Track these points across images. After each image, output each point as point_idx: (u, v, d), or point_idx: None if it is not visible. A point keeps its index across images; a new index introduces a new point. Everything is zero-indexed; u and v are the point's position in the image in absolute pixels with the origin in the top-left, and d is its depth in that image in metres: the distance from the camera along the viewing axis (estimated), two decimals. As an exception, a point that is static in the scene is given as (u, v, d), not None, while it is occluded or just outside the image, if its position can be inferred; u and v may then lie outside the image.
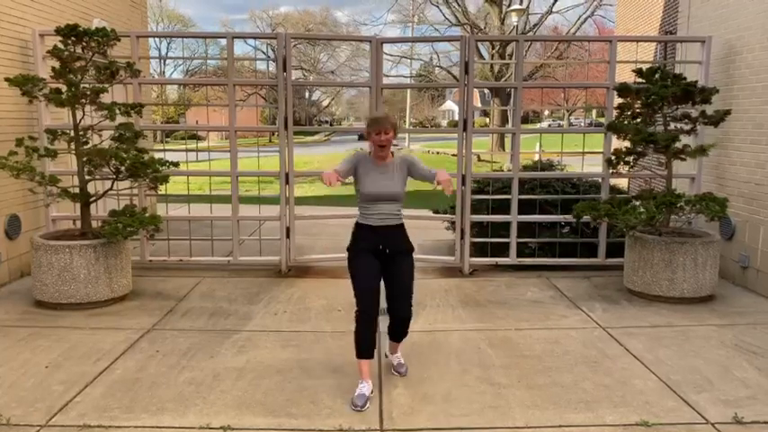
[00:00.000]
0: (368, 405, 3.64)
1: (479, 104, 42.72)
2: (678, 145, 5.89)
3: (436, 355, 4.44)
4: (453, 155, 8.07)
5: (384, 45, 7.01)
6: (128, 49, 6.43)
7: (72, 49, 5.55)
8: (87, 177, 5.65)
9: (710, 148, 5.87)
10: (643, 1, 12.28)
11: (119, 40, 5.80)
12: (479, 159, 20.56)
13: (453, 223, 6.94)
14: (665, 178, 6.11)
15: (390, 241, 3.87)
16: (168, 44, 47.31)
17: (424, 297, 5.80)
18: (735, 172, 6.41)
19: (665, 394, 3.80)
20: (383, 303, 4.06)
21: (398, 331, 4.06)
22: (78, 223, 6.01)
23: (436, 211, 7.74)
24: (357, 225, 3.94)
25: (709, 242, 5.69)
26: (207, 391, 3.79)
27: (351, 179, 3.95)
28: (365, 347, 3.77)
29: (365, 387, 3.72)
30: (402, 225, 3.95)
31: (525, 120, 49.66)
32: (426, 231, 8.14)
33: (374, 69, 6.57)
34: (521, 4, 25.11)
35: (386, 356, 4.24)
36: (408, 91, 39.74)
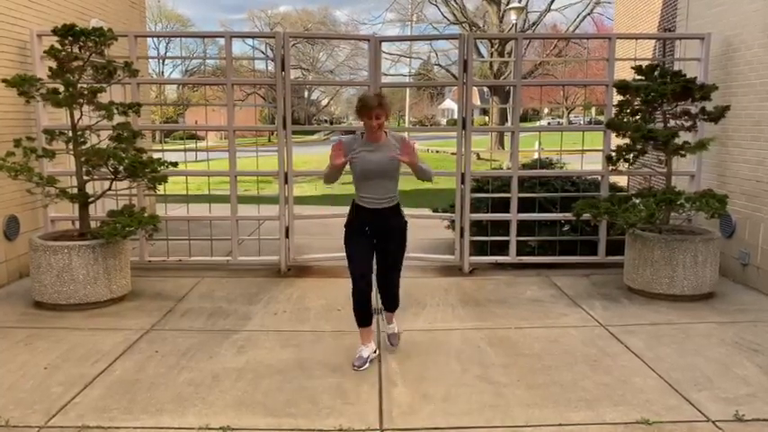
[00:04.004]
0: (366, 365, 4.09)
1: (478, 103, 42.69)
2: (678, 141, 5.88)
3: (436, 354, 4.43)
4: (453, 153, 8.07)
5: (383, 44, 6.99)
6: (126, 49, 6.42)
7: (69, 50, 5.53)
8: (86, 178, 5.63)
9: (710, 143, 5.85)
10: (642, -2, 12.27)
11: (116, 40, 5.79)
12: (479, 158, 20.50)
13: (453, 222, 6.93)
14: (665, 176, 6.10)
15: (382, 222, 4.04)
16: (167, 44, 47.30)
17: (424, 296, 5.79)
18: (736, 169, 6.40)
19: (665, 392, 3.79)
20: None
21: (388, 297, 4.29)
22: (77, 224, 5.99)
23: (435, 210, 7.73)
24: (353, 204, 4.05)
25: (710, 239, 5.68)
26: (206, 392, 3.78)
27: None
28: (363, 317, 4.16)
29: (364, 350, 4.15)
30: (396, 206, 4.08)
31: (524, 118, 49.61)
32: (426, 230, 8.12)
33: (373, 68, 6.56)
34: (519, 2, 25.10)
35: (381, 318, 4.40)
36: (407, 90, 39.72)
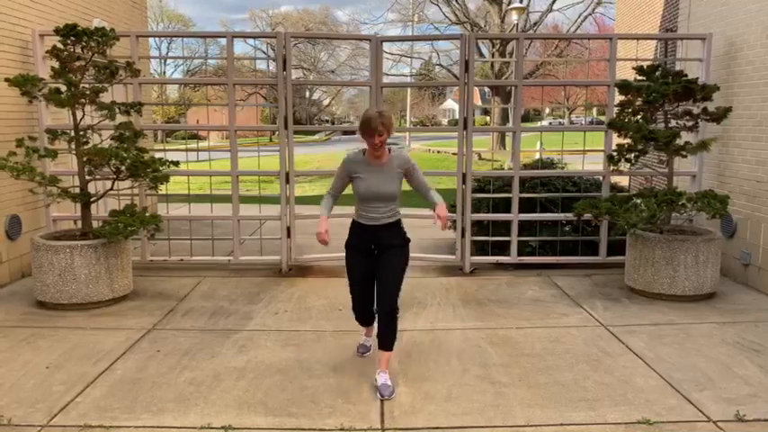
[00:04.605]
0: (369, 352, 4.35)
1: (480, 103, 42.70)
2: (679, 142, 5.88)
3: (437, 353, 4.44)
4: (454, 153, 8.07)
5: (384, 44, 7.00)
6: (128, 49, 6.43)
7: (71, 49, 5.55)
8: (88, 177, 5.65)
9: (711, 143, 5.86)
10: (643, -2, 12.26)
11: (118, 40, 5.80)
12: (480, 158, 20.54)
13: (454, 222, 6.94)
14: (666, 176, 6.10)
15: (382, 239, 3.95)
16: (168, 44, 47.35)
17: (425, 296, 5.80)
18: (736, 169, 6.40)
19: (666, 392, 3.80)
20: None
21: (384, 330, 3.87)
22: (79, 223, 6.01)
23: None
24: (353, 222, 4.03)
25: (711, 240, 5.68)
26: (208, 391, 3.79)
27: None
28: (364, 323, 4.32)
29: (367, 340, 4.40)
30: (397, 222, 4.00)
31: (526, 118, 49.62)
32: (427, 230, 8.12)
33: (374, 68, 6.57)
34: (521, 2, 25.06)
35: (375, 381, 3.88)
36: (408, 90, 39.74)
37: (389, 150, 3.92)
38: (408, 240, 4.04)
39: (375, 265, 3.94)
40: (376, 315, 4.06)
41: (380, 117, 3.76)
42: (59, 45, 5.53)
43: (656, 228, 5.85)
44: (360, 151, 3.96)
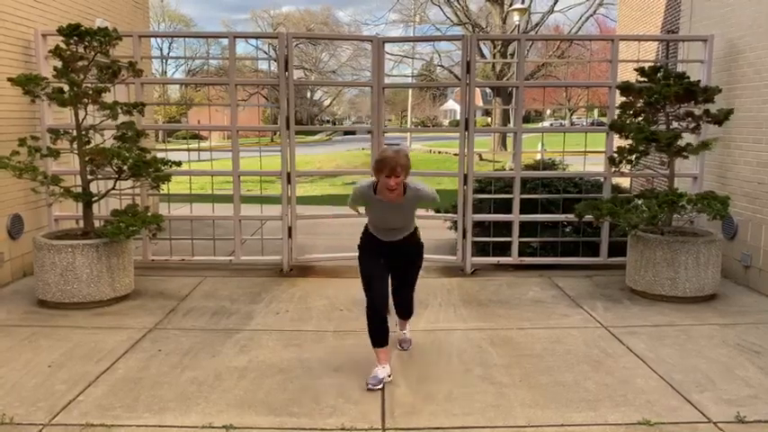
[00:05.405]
0: (380, 386, 3.81)
1: (481, 104, 42.67)
2: (680, 143, 5.88)
3: (438, 354, 4.44)
4: (455, 154, 8.09)
5: (386, 44, 7.00)
6: (130, 49, 6.44)
7: (74, 49, 5.56)
8: (89, 177, 5.66)
9: (713, 143, 5.85)
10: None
11: (120, 40, 5.81)
12: (481, 159, 20.54)
13: (455, 223, 6.94)
14: (668, 177, 6.10)
15: (397, 252, 4.06)
16: (170, 44, 47.38)
17: (426, 296, 5.80)
18: (737, 171, 6.40)
19: (667, 393, 3.80)
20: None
21: (404, 307, 4.39)
22: (81, 223, 6.01)
23: (438, 211, 7.74)
24: (367, 232, 4.07)
25: (712, 241, 5.68)
26: (209, 391, 3.79)
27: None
28: (378, 338, 3.96)
29: (380, 371, 3.88)
30: (412, 234, 4.11)
31: (527, 119, 49.60)
32: (428, 231, 8.10)
33: (376, 69, 6.57)
34: (522, 3, 25.07)
35: (398, 338, 4.49)
36: (410, 90, 39.73)
37: (405, 189, 3.75)
38: (422, 246, 4.22)
39: (393, 264, 4.09)
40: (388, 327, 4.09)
41: (398, 158, 3.58)
42: (62, 45, 5.55)
43: (657, 229, 5.86)
44: (370, 187, 3.84)
